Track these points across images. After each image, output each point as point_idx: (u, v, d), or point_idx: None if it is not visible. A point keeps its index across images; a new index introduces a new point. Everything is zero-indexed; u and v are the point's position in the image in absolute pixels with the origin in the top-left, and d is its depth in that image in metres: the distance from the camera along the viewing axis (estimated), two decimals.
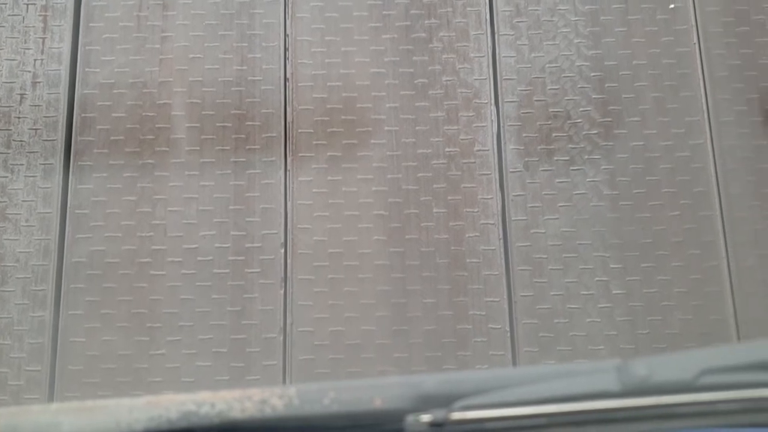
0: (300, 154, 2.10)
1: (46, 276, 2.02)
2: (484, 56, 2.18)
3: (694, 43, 2.17)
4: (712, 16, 2.19)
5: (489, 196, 2.08)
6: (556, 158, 2.11)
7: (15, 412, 0.77)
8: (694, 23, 2.18)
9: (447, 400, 0.72)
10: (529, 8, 2.21)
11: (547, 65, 2.17)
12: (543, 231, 2.06)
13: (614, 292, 2.02)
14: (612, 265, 2.04)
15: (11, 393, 1.94)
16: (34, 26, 2.19)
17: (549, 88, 2.15)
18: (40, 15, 2.20)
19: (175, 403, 0.73)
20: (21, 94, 2.14)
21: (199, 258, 2.04)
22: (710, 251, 2.04)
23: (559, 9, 2.21)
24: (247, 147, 2.10)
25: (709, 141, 2.11)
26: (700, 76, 2.15)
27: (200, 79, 2.15)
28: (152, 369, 1.96)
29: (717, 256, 2.03)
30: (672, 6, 2.20)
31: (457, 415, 0.72)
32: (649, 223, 2.06)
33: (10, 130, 2.11)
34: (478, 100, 2.15)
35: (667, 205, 2.07)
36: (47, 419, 0.73)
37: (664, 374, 0.73)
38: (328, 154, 2.10)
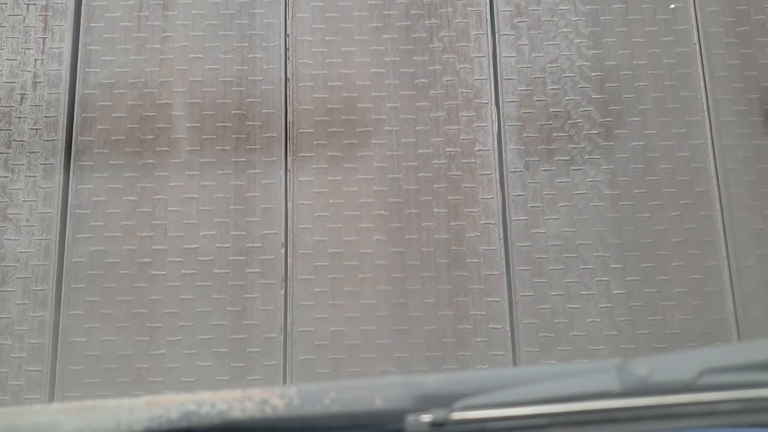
0: (300, 154, 2.10)
1: (47, 276, 2.02)
2: (484, 56, 2.18)
3: (695, 43, 2.17)
4: (713, 16, 2.19)
5: (489, 196, 2.08)
6: (556, 158, 2.10)
7: (15, 412, 0.77)
8: (694, 23, 2.18)
9: (447, 400, 0.72)
10: (530, 8, 2.21)
11: (548, 65, 2.17)
12: (543, 231, 2.06)
13: (615, 292, 2.02)
14: (612, 265, 2.03)
15: (12, 393, 1.94)
16: (34, 26, 2.19)
17: (549, 88, 2.15)
18: (40, 15, 2.20)
19: (175, 403, 0.73)
20: (21, 94, 2.14)
21: (199, 258, 2.04)
22: (710, 251, 2.04)
23: (560, 9, 2.21)
24: (248, 147, 2.10)
25: (709, 141, 2.11)
26: (701, 76, 2.15)
27: (200, 79, 2.15)
28: (152, 369, 1.96)
29: (717, 255, 2.03)
30: (672, 6, 2.20)
31: (457, 415, 0.72)
32: (650, 223, 2.06)
33: (11, 130, 2.11)
34: (478, 100, 2.15)
35: (667, 205, 2.07)
36: (48, 419, 0.73)
37: (665, 374, 0.73)
38: (329, 154, 2.10)
